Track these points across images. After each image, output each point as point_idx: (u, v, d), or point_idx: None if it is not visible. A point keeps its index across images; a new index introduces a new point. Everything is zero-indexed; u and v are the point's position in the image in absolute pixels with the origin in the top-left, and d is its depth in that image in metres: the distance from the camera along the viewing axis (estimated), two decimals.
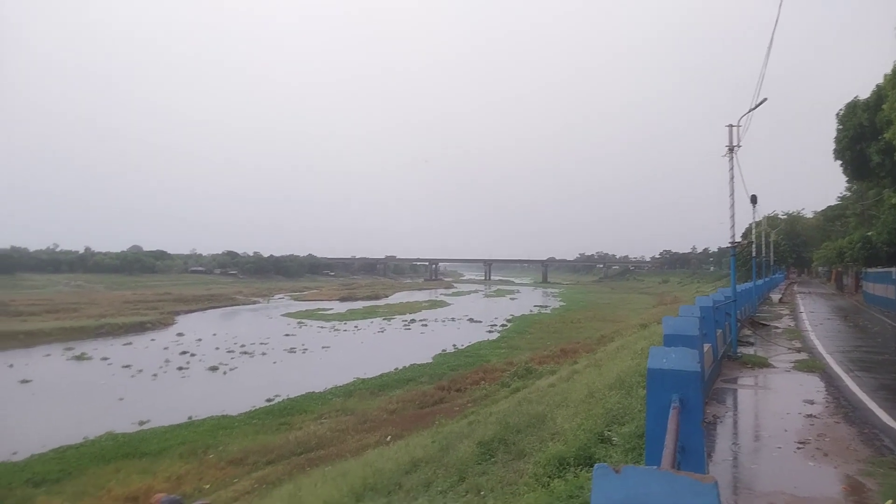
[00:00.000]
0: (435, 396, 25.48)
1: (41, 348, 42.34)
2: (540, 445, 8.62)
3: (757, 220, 25.23)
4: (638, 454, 5.70)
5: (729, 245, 13.76)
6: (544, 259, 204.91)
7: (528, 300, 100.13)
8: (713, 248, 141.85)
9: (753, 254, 26.05)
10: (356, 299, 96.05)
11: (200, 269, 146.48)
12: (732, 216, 13.10)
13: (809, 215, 73.82)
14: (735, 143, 12.99)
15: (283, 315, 69.44)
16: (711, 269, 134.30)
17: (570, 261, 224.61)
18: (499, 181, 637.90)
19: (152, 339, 47.89)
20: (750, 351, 13.59)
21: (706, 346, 8.40)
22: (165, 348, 42.43)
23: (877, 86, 27.31)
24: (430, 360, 36.80)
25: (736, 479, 5.58)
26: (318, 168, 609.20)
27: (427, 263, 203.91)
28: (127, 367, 35.14)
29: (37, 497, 16.12)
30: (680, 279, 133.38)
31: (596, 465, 1.88)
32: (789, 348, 14.52)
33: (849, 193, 53.49)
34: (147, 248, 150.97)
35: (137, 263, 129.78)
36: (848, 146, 30.84)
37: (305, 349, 42.82)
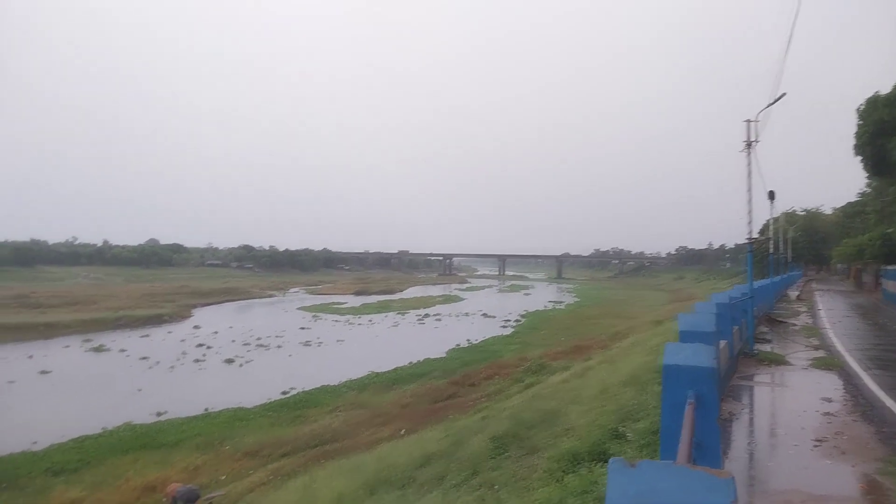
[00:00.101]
0: (448, 391, 25.47)
1: (60, 340, 42.91)
2: (553, 441, 8.60)
3: (775, 216, 24.98)
4: (652, 450, 5.68)
5: (746, 241, 13.62)
6: (559, 255, 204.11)
7: (542, 296, 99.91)
8: (729, 245, 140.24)
9: (771, 250, 25.75)
10: (370, 293, 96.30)
11: (217, 262, 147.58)
12: (749, 212, 12.96)
13: (828, 212, 72.80)
14: (753, 139, 12.84)
15: (298, 308, 69.84)
16: (727, 265, 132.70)
17: (584, 256, 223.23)
18: (514, 176, 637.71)
19: (169, 332, 48.39)
20: (767, 348, 13.46)
21: (722, 343, 8.33)
22: (182, 341, 42.87)
23: None
24: (444, 355, 36.83)
25: (751, 476, 5.55)
26: (333, 163, 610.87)
27: (441, 258, 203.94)
28: (144, 358, 35.56)
29: (56, 486, 16.35)
30: (695, 276, 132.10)
31: (611, 458, 1.88)
32: (807, 346, 14.36)
33: (869, 190, 52.62)
34: (164, 241, 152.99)
35: (155, 257, 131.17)
36: (868, 141, 30.44)
37: (320, 342, 43.07)
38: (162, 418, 23.47)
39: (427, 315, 63.17)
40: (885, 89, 29.23)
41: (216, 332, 47.09)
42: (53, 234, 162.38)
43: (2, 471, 17.58)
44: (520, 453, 8.96)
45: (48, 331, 45.70)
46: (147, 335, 46.22)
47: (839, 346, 14.16)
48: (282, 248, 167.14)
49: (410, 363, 33.78)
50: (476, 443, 10.93)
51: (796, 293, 36.04)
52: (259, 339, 43.84)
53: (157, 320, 54.89)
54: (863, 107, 30.89)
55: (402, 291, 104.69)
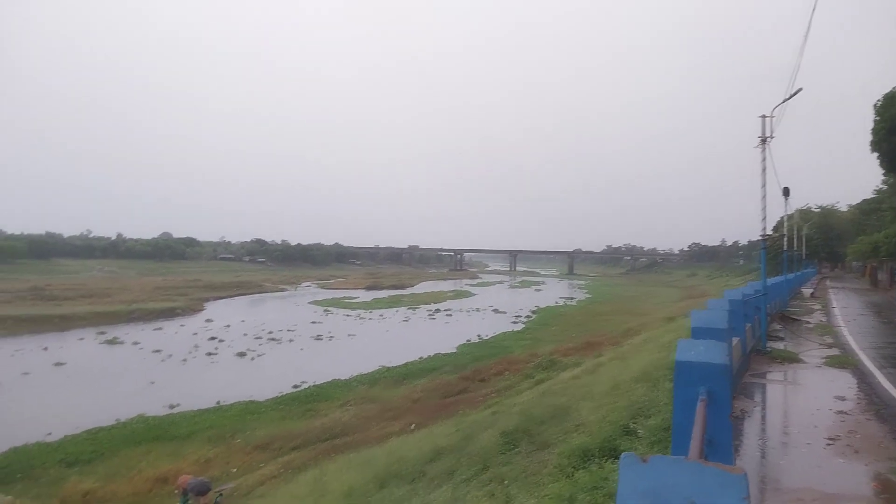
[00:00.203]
0: (458, 386, 25.51)
1: (75, 332, 43.43)
2: (564, 437, 8.59)
3: (789, 213, 24.74)
4: (663, 447, 5.65)
5: (759, 238, 13.49)
6: (570, 251, 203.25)
7: (554, 292, 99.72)
8: (743, 242, 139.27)
9: (785, 247, 25.51)
10: (381, 288, 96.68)
11: (229, 256, 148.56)
12: (764, 209, 12.82)
13: (844, 209, 72.04)
14: (768, 135, 12.70)
15: (309, 303, 70.22)
16: (741, 262, 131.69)
17: (596, 253, 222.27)
18: (525, 172, 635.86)
19: (182, 325, 48.83)
20: (780, 346, 13.34)
21: (734, 340, 8.26)
22: (195, 334, 43.25)
23: None
24: (454, 350, 36.91)
25: (763, 474, 5.50)
26: (345, 159, 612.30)
27: (452, 253, 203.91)
28: (157, 351, 35.90)
29: (69, 477, 16.57)
30: (708, 272, 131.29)
31: (623, 453, 1.86)
32: (820, 344, 14.22)
33: (885, 187, 51.99)
34: (177, 235, 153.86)
35: (168, 250, 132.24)
36: (885, 138, 30.05)
37: (331, 337, 43.28)
38: (174, 411, 23.70)
39: (438, 310, 63.25)
40: None
41: (228, 326, 47.44)
42: (68, 227, 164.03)
43: (17, 461, 17.85)
44: (530, 449, 8.95)
45: (63, 323, 46.26)
46: (160, 328, 46.68)
47: (853, 345, 14.00)
48: (294, 243, 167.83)
49: (421, 358, 33.88)
50: (486, 438, 10.94)
51: (810, 291, 35.68)
52: (271, 332, 44.11)
53: (170, 313, 55.38)
54: (880, 102, 30.49)
55: (412, 286, 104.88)
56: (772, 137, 12.69)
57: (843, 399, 8.50)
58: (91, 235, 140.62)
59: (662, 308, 58.50)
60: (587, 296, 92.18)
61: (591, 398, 10.93)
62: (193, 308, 60.68)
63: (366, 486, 11.06)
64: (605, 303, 75.27)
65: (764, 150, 12.71)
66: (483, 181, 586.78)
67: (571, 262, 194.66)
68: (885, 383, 9.60)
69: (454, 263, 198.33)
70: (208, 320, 51.77)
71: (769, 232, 13.59)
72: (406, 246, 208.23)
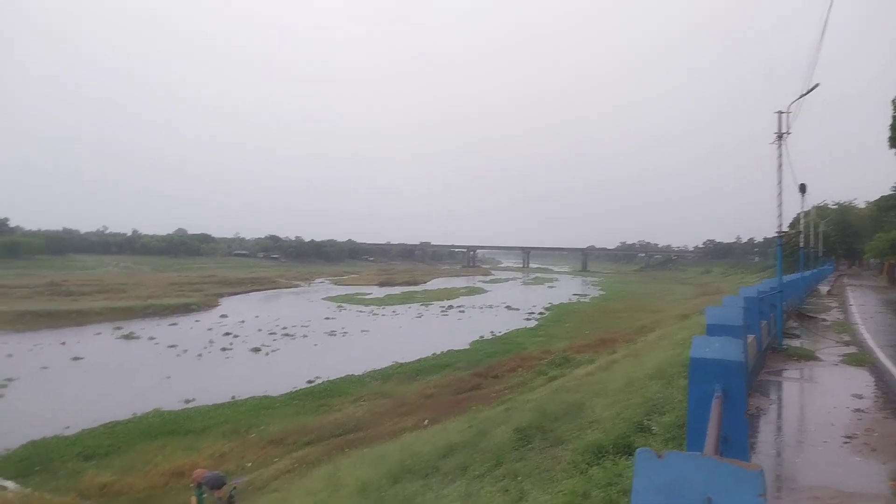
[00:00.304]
0: (471, 382, 25.54)
1: (92, 327, 43.94)
2: (577, 433, 8.58)
3: (805, 209, 24.48)
4: (678, 444, 5.63)
5: (775, 235, 13.38)
6: (584, 247, 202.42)
7: (567, 289, 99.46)
8: (758, 239, 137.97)
9: (801, 244, 25.26)
10: (394, 284, 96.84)
11: (244, 252, 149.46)
12: (780, 205, 12.71)
13: (861, 205, 71.09)
14: (784, 131, 12.57)
15: (323, 299, 70.52)
16: (756, 259, 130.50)
17: (610, 249, 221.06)
18: (539, 168, 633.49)
19: (197, 321, 49.22)
20: (796, 343, 13.21)
21: (750, 338, 8.20)
22: (209, 329, 43.58)
23: None
24: (467, 347, 36.94)
25: (779, 472, 5.47)
26: (358, 155, 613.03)
27: (465, 250, 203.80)
28: (173, 346, 36.22)
29: (87, 470, 16.78)
30: (723, 270, 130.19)
31: (639, 449, 1.87)
32: (837, 341, 14.07)
33: None
34: (192, 231, 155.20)
35: (183, 246, 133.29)
36: None
37: (345, 333, 43.46)
38: (190, 405, 23.91)
39: (451, 306, 63.34)
40: None
41: (243, 322, 47.77)
42: (85, 223, 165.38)
43: (35, 454, 18.10)
44: (544, 445, 8.95)
45: (80, 318, 46.82)
46: (175, 323, 47.08)
47: (871, 342, 13.83)
48: (307, 239, 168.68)
49: (434, 354, 33.95)
50: (500, 434, 10.95)
51: (827, 288, 35.32)
52: (285, 328, 44.37)
53: (185, 309, 55.86)
54: None
55: (425, 283, 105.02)
56: (788, 133, 12.57)
57: (860, 397, 8.42)
58: (107, 232, 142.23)
59: (677, 305, 58.17)
60: (601, 293, 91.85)
61: (605, 395, 10.91)
62: (208, 304, 61.14)
63: (379, 480, 11.10)
64: (619, 300, 74.97)
65: (780, 146, 12.60)
66: (495, 178, 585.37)
67: (585, 259, 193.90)
68: None
69: (467, 260, 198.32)
70: (223, 316, 52.16)
71: (785, 229, 13.47)
72: (418, 242, 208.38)
